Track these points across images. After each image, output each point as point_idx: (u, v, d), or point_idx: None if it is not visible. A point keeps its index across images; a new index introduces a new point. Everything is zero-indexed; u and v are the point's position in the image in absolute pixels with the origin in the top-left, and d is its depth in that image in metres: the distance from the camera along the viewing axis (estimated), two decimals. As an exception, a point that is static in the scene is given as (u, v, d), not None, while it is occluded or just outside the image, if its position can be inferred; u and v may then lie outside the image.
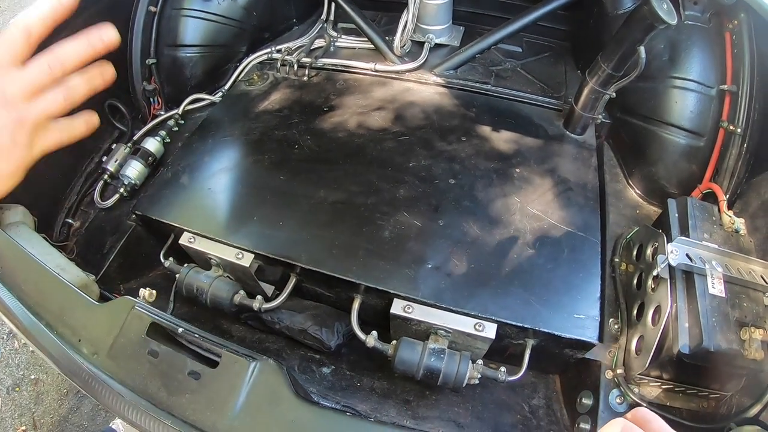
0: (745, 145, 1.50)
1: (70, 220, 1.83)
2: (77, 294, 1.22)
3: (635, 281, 1.39)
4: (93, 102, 1.92)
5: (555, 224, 1.47)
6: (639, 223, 1.59)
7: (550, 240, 1.42)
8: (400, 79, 2.02)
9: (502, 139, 1.73)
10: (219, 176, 1.65)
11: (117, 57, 2.00)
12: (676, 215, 1.36)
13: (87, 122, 0.83)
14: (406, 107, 1.85)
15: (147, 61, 2.06)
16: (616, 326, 1.38)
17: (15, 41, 0.68)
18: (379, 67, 2.04)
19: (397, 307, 1.26)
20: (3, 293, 1.21)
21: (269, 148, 1.72)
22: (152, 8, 2.05)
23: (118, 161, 1.86)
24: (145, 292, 1.34)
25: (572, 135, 1.78)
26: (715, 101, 1.58)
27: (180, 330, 1.12)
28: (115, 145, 1.93)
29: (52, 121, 0.77)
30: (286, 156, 1.68)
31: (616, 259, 1.50)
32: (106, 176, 1.87)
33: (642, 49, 1.43)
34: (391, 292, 1.28)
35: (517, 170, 1.63)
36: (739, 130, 1.50)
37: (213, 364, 1.07)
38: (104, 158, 1.90)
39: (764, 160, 1.46)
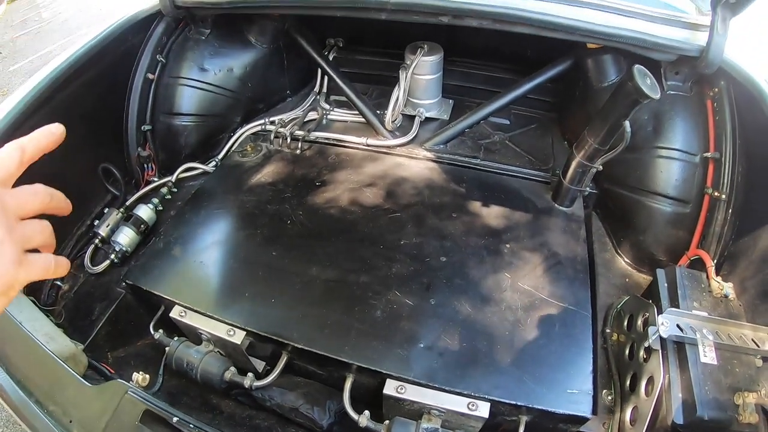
0: (730, 210, 1.59)
1: (59, 283, 1.84)
2: (68, 372, 1.23)
3: (627, 351, 1.44)
4: (87, 165, 1.95)
5: (546, 299, 1.52)
6: (629, 292, 1.66)
7: (541, 315, 1.47)
8: (392, 154, 2.11)
9: (492, 215, 1.81)
10: (211, 249, 1.69)
11: (114, 122, 2.08)
12: (666, 285, 1.43)
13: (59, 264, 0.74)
14: (397, 183, 1.93)
15: (142, 128, 2.15)
16: (609, 398, 1.43)
17: (11, 161, 0.69)
18: (370, 141, 2.14)
19: (390, 388, 1.29)
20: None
21: (262, 223, 1.78)
22: (150, 75, 2.15)
23: (110, 226, 1.91)
24: (138, 377, 1.35)
25: (561, 207, 1.86)
26: (699, 168, 1.69)
27: (174, 420, 1.13)
28: (107, 209, 1.97)
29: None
30: (278, 231, 1.74)
31: (608, 330, 1.56)
32: (97, 241, 1.91)
33: (627, 123, 1.53)
34: (384, 372, 1.31)
35: (508, 246, 1.69)
36: (723, 196, 1.60)
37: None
38: (96, 222, 1.94)
39: (750, 222, 1.54)
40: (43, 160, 1.70)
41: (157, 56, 2.16)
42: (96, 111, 2.02)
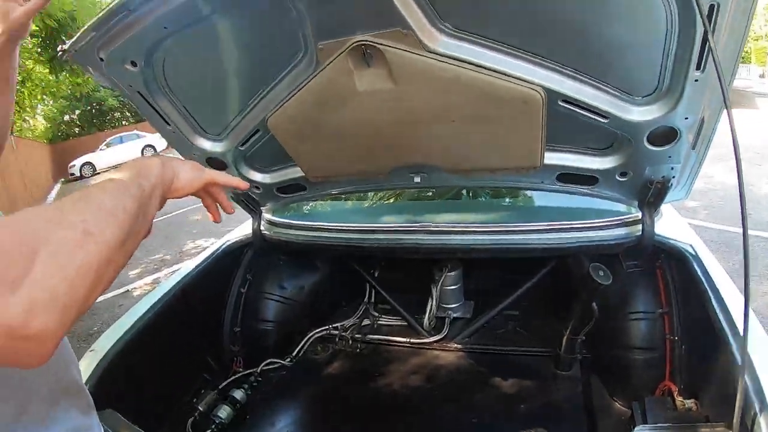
0: (683, 347, 2.14)
1: (165, 440, 2.50)
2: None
3: None
4: (189, 356, 2.74)
5: None
6: (624, 428, 2.21)
7: None
8: (430, 349, 2.93)
9: (509, 385, 2.54)
10: (299, 422, 2.50)
11: (213, 325, 2.92)
12: (639, 412, 2.04)
13: None
14: (435, 370, 2.74)
15: (234, 329, 3.00)
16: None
17: None
18: (413, 340, 2.98)
19: None
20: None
21: (336, 403, 2.60)
22: (242, 290, 3.06)
23: (208, 404, 2.64)
24: None
25: (561, 372, 2.55)
26: (659, 321, 2.29)
27: None
28: (203, 390, 2.72)
29: None
30: (349, 409, 2.54)
31: None
32: (196, 414, 2.61)
33: (594, 304, 2.27)
34: None
35: (522, 406, 2.37)
36: (677, 338, 2.18)
37: None
38: (194, 400, 2.66)
39: (707, 351, 2.00)
40: (161, 351, 2.60)
41: (247, 275, 3.08)
42: (198, 315, 2.84)
